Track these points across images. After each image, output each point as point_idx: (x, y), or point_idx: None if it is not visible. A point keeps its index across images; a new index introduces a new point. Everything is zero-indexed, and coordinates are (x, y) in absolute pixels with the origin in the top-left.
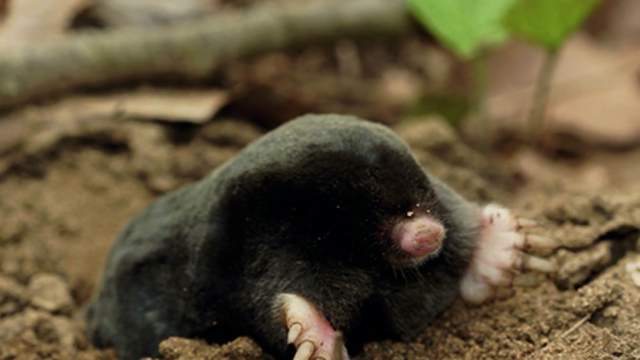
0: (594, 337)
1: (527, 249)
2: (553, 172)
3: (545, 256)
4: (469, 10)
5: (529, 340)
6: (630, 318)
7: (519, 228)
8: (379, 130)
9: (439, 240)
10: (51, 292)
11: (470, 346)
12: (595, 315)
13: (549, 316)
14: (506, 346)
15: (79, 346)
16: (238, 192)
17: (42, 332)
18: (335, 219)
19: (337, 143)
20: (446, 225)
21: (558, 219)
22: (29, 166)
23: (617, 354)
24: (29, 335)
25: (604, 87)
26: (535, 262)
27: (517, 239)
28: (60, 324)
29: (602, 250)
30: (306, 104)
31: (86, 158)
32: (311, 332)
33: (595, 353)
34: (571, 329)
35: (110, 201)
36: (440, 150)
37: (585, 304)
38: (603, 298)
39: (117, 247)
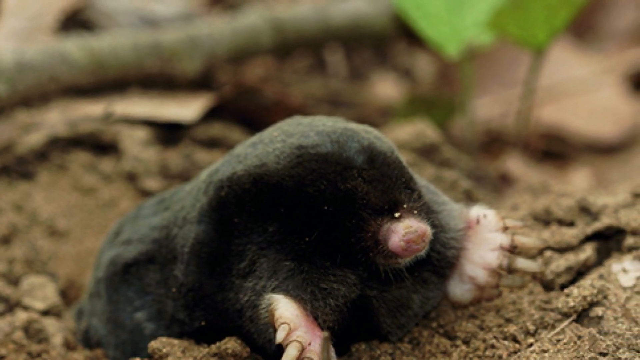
0: (580, 337)
1: (513, 250)
2: (539, 173)
3: (532, 257)
4: (456, 12)
5: (515, 340)
6: (615, 318)
7: (505, 229)
8: (366, 132)
9: (426, 241)
10: (41, 292)
11: (457, 346)
12: (581, 315)
13: (535, 316)
14: (493, 346)
15: (68, 346)
16: (226, 193)
17: (31, 332)
18: (322, 220)
19: (324, 144)
20: (433, 226)
21: (544, 219)
22: (18, 167)
23: (603, 354)
24: (18, 335)
25: (590, 88)
26: (522, 263)
27: (504, 239)
28: (50, 324)
29: (588, 251)
30: (294, 106)
31: (75, 159)
32: (299, 332)
33: (581, 353)
34: (557, 329)
35: (100, 202)
36: (427, 152)
37: (571, 304)
38: (589, 298)
39: (106, 248)
